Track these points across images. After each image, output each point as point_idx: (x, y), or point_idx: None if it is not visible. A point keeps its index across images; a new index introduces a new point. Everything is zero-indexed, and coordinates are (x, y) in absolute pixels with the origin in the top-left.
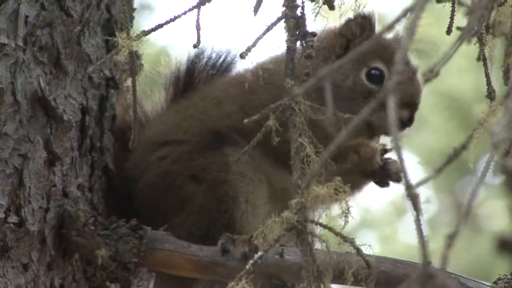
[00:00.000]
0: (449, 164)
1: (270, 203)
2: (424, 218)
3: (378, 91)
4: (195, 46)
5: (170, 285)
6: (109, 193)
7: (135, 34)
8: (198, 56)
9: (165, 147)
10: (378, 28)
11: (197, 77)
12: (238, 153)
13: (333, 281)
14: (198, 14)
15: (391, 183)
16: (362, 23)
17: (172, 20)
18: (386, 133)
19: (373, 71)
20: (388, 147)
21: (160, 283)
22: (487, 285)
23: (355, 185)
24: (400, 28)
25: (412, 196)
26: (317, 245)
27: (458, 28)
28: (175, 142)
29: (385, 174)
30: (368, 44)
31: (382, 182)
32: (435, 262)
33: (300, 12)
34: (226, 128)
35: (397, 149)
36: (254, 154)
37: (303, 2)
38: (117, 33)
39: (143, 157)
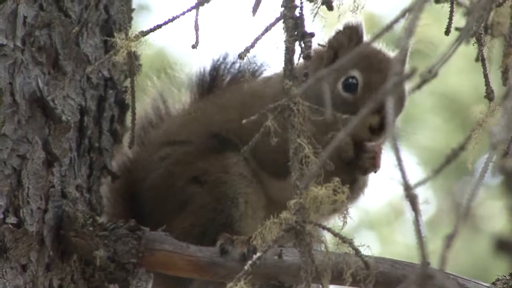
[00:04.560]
0: (448, 165)
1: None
2: (422, 219)
3: (351, 99)
4: (193, 47)
5: (167, 285)
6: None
7: (134, 35)
8: (223, 59)
9: (168, 147)
10: (366, 36)
11: (220, 81)
12: (238, 155)
13: (332, 282)
14: (197, 15)
15: (368, 171)
16: (349, 33)
17: (170, 20)
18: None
19: (350, 80)
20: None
21: (158, 284)
22: (486, 286)
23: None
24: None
25: (410, 196)
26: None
27: (457, 29)
28: (178, 142)
29: (360, 162)
30: (363, 48)
31: (361, 170)
32: (434, 262)
33: (299, 13)
34: (226, 132)
35: (396, 150)
36: (250, 159)
37: (301, 3)
38: (115, 34)
39: (149, 157)
